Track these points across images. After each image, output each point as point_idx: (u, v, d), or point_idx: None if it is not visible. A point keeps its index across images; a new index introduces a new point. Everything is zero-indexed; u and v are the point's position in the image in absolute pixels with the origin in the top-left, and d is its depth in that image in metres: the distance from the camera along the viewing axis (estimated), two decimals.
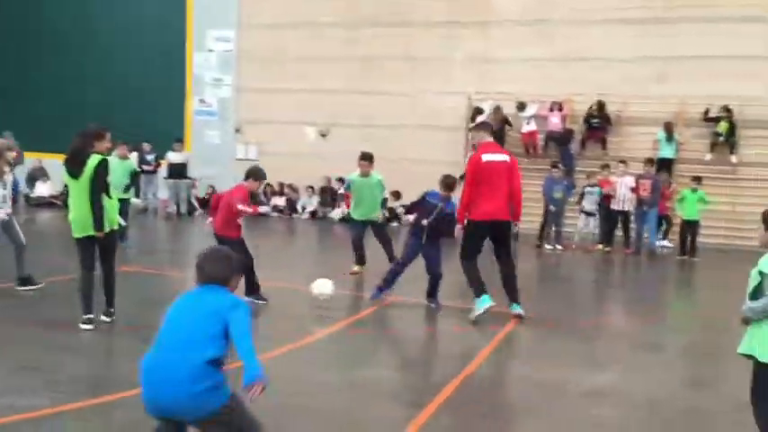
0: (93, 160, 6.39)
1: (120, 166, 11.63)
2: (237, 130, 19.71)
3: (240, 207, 7.55)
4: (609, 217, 14.39)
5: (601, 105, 16.22)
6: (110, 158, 6.98)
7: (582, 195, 14.76)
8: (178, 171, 17.69)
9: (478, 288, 7.42)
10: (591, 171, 15.25)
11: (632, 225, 14.43)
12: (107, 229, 6.42)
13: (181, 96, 20.01)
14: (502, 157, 7.61)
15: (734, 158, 15.59)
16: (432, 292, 8.05)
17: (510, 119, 16.70)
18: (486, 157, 7.43)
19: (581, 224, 14.82)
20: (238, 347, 3.19)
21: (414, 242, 8.06)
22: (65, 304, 7.02)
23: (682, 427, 4.84)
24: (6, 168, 7.92)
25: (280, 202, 19.19)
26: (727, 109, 15.40)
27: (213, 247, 3.70)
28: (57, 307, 7.18)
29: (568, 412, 5.00)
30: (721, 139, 15.49)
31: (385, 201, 9.78)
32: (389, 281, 8.23)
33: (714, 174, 15.39)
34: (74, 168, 6.39)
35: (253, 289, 7.81)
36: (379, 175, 10.17)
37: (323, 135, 18.92)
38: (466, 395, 5.21)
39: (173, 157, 17.78)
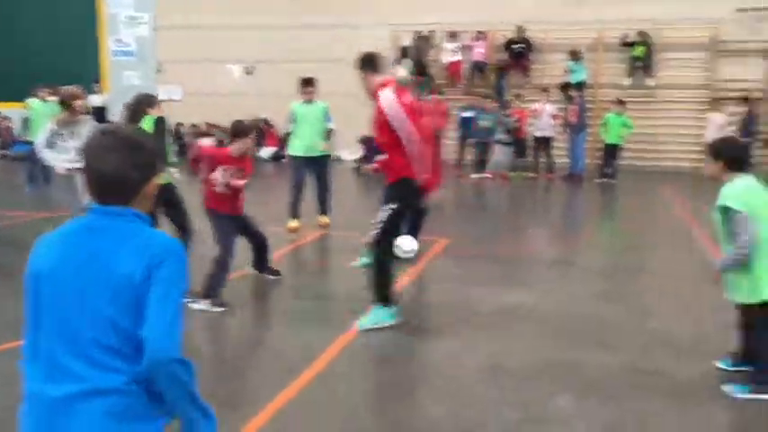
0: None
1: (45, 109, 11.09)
2: (158, 70, 19.11)
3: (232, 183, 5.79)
4: (525, 145, 14.73)
5: (521, 31, 16.37)
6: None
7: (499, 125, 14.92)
8: (99, 115, 17.15)
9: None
10: (507, 100, 15.51)
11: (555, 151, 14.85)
12: None
13: (95, 37, 19.22)
14: None
15: (650, 81, 16.07)
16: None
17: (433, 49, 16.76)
18: None
19: (498, 153, 14.96)
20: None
21: None
22: None
23: (591, 336, 5.17)
24: (77, 117, 6.68)
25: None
26: (643, 34, 15.77)
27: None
28: None
29: (483, 329, 5.27)
30: (638, 63, 15.92)
31: (330, 132, 9.04)
32: None
33: (633, 97, 15.85)
34: None
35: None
36: (325, 102, 9.14)
37: (248, 73, 18.57)
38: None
39: (94, 99, 17.19)
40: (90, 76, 17.71)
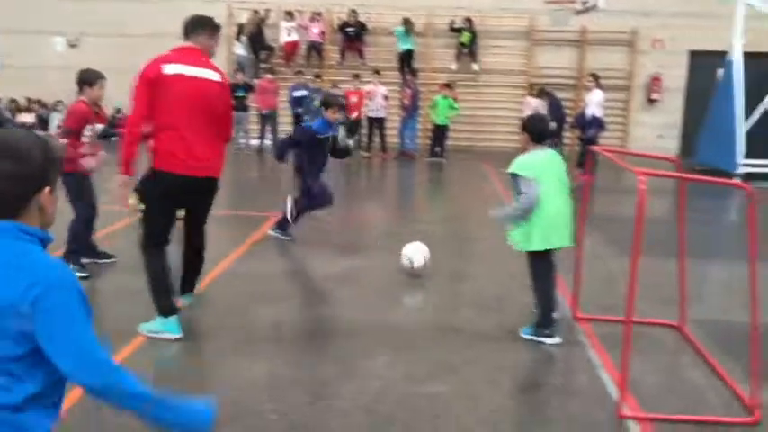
0: None
1: None
2: None
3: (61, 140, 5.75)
4: (359, 125, 15.22)
5: (355, 14, 16.81)
6: None
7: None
8: None
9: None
10: (338, 80, 15.93)
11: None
12: None
13: None
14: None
15: (475, 66, 17.12)
16: None
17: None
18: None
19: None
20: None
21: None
22: None
23: (411, 298, 5.64)
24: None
25: (28, 119, 17.77)
26: (469, 20, 16.73)
27: None
28: None
29: (313, 295, 5.60)
30: (464, 50, 16.89)
31: None
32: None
33: (459, 81, 16.79)
34: None
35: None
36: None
37: (72, 46, 17.62)
38: (216, 290, 5.59)
39: None
40: None
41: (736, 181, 3.92)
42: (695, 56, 16.93)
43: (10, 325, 1.66)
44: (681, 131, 17.37)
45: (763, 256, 3.94)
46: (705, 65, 16.18)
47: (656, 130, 17.33)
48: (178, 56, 4.40)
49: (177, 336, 4.47)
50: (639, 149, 15.47)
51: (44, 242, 1.77)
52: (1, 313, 1.66)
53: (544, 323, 4.75)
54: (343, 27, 16.86)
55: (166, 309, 4.50)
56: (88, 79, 5.86)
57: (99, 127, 6.35)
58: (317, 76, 15.28)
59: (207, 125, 4.41)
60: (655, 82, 17.13)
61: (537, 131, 4.77)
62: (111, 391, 1.74)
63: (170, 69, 4.29)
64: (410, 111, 15.20)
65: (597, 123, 13.18)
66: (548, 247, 4.66)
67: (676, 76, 17.18)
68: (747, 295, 3.79)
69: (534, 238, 4.62)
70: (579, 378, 4.25)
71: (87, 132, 5.87)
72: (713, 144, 13.65)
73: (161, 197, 4.42)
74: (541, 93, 15.21)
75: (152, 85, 4.28)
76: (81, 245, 5.89)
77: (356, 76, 15.42)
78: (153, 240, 4.51)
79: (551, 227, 4.62)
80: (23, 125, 17.41)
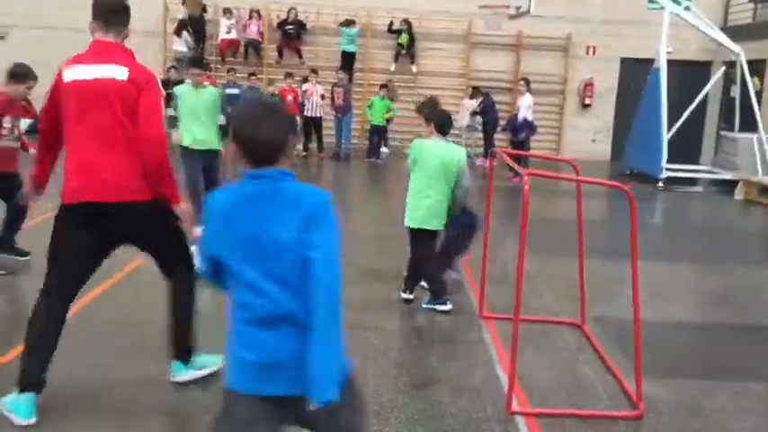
0: None
1: None
2: None
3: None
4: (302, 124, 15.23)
5: (293, 13, 16.74)
6: None
7: None
8: None
9: None
10: (272, 78, 15.87)
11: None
12: None
13: None
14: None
15: (414, 68, 17.25)
16: None
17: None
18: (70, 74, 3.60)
19: None
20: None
21: None
22: None
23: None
24: None
25: None
26: (407, 22, 16.84)
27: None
28: None
29: None
30: (403, 51, 17.00)
31: (224, 129, 7.28)
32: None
33: (398, 83, 16.88)
34: None
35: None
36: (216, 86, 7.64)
37: (0, 38, 17.11)
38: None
39: None
40: None
41: (616, 182, 4.07)
42: (626, 62, 17.40)
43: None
44: (613, 135, 17.82)
45: (677, 256, 4.10)
46: (636, 71, 16.65)
47: (589, 134, 17.75)
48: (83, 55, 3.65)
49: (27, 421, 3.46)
50: (574, 153, 15.85)
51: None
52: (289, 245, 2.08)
53: (435, 294, 5.39)
54: (281, 25, 16.78)
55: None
56: (17, 74, 5.70)
57: (26, 121, 6.21)
58: (252, 74, 15.16)
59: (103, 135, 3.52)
60: (588, 87, 17.54)
61: (439, 122, 5.36)
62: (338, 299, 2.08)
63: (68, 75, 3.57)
64: (343, 110, 15.22)
65: (528, 126, 13.46)
66: (407, 225, 5.35)
67: (608, 82, 17.62)
68: (649, 292, 3.94)
69: (408, 215, 5.34)
70: (476, 375, 4.35)
71: (6, 124, 5.74)
72: (639, 149, 14.06)
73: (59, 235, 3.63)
74: (476, 92, 15.46)
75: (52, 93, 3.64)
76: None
77: (289, 75, 15.35)
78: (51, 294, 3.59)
79: (410, 207, 5.32)
80: None
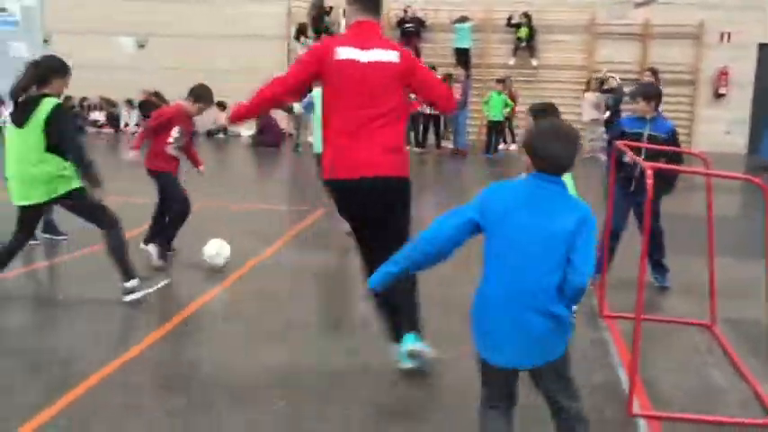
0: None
1: None
2: (46, 41, 18.58)
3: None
4: (419, 120, 15.29)
5: (411, 11, 16.85)
6: None
7: None
8: None
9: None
10: None
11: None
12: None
13: None
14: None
15: (534, 62, 16.91)
16: None
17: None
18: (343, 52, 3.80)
19: None
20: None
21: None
22: None
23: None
24: None
25: (100, 117, 18.56)
26: (527, 15, 16.54)
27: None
28: None
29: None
30: (522, 45, 16.71)
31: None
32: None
33: (517, 77, 16.63)
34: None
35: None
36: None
37: (141, 46, 18.30)
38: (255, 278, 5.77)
39: None
40: None
41: (748, 176, 3.81)
42: (765, 49, 16.27)
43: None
44: (750, 127, 16.71)
45: None
46: None
47: (723, 126, 16.74)
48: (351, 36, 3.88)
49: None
50: (706, 146, 15.00)
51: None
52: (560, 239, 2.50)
53: None
54: (400, 23, 16.93)
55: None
56: (203, 97, 6.12)
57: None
58: None
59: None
60: (722, 76, 16.54)
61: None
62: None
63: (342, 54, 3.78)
64: (460, 106, 15.13)
65: None
66: None
67: (745, 70, 16.54)
68: None
69: None
70: (595, 375, 4.20)
71: (174, 134, 6.05)
72: None
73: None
74: (602, 85, 14.82)
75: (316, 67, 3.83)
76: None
77: None
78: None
79: None
80: (95, 122, 18.22)
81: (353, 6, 3.90)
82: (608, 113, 14.43)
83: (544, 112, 4.94)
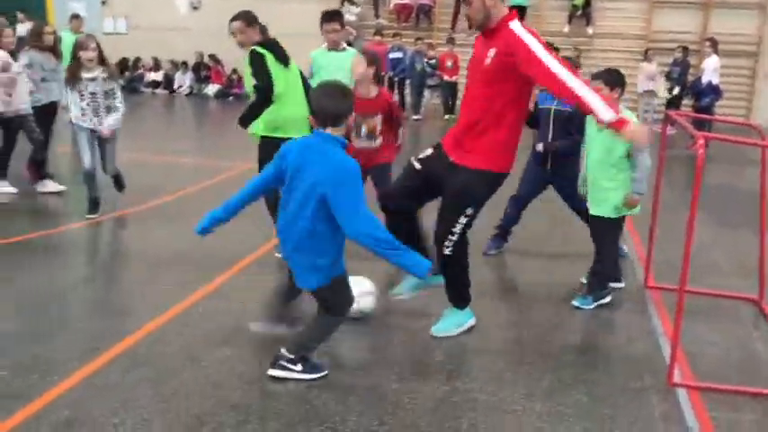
0: None
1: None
2: (104, 2, 18.93)
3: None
4: (456, 89, 15.09)
5: None
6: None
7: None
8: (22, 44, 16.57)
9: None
10: (437, 44, 15.82)
11: None
12: None
13: None
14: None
15: (590, 30, 16.55)
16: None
17: None
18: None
19: (427, 96, 15.45)
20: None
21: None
22: None
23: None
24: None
25: (157, 77, 18.86)
26: None
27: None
28: None
29: None
30: (578, 12, 16.35)
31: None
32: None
33: (572, 45, 16.29)
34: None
35: None
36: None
37: (195, 8, 18.49)
38: None
39: (19, 29, 16.48)
40: (34, 7, 17.41)
41: None
42: None
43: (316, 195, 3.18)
44: None
45: None
46: None
47: None
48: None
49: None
50: (765, 122, 14.55)
51: (343, 145, 3.29)
52: (313, 186, 3.18)
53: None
54: None
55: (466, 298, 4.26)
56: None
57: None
58: (419, 39, 15.29)
59: None
60: None
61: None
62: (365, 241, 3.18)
63: None
64: None
65: (714, 91, 12.52)
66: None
67: None
68: None
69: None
70: (637, 344, 4.23)
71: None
72: None
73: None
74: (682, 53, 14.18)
75: None
76: None
77: (451, 41, 15.27)
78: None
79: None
80: (153, 82, 18.55)
81: None
82: (677, 89, 13.86)
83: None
